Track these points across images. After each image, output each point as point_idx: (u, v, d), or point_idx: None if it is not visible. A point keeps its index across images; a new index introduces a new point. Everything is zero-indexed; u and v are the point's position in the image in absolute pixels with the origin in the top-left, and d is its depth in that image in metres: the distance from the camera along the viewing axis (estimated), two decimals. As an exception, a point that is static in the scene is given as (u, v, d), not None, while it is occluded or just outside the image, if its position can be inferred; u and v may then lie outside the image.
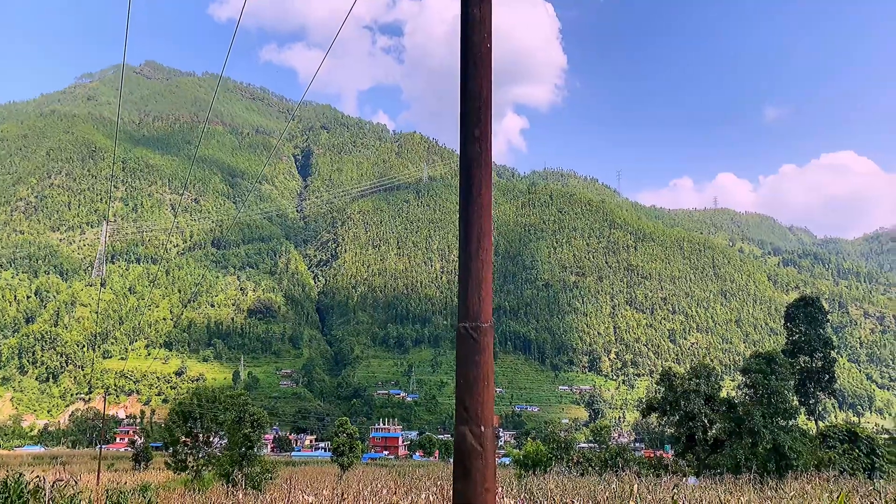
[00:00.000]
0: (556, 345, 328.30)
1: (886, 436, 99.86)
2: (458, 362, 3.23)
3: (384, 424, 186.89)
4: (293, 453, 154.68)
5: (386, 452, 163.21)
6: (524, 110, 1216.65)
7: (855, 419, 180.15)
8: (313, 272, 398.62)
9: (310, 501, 20.96)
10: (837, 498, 16.52)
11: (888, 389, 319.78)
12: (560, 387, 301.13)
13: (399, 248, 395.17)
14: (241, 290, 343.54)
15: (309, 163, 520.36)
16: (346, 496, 20.86)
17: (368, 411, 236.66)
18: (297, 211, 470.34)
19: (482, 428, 3.07)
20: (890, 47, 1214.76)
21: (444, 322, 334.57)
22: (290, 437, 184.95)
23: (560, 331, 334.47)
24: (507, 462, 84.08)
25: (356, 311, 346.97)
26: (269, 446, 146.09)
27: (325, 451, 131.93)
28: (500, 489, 22.53)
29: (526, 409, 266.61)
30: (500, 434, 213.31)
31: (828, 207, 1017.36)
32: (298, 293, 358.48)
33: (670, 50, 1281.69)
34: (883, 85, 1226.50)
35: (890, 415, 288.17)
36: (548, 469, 43.49)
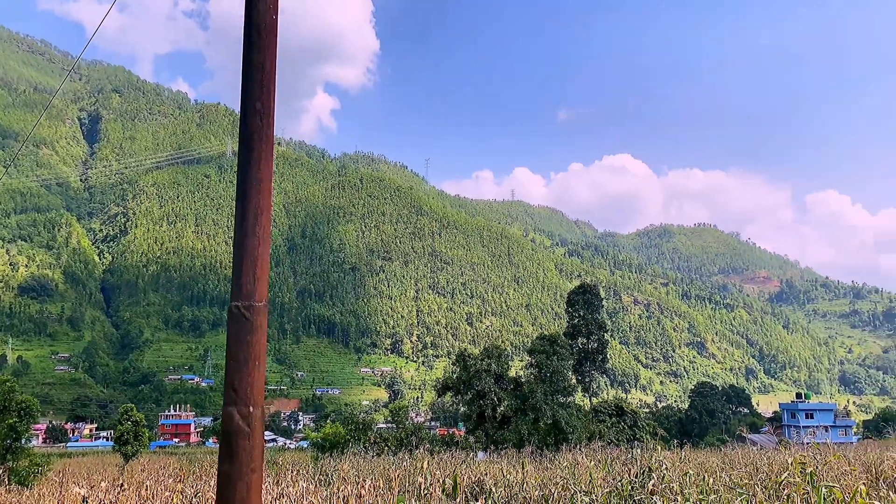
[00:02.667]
0: (361, 328, 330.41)
1: (647, 410, 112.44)
2: (229, 342, 3.12)
3: (175, 411, 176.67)
4: (69, 444, 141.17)
5: (176, 440, 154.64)
6: (335, 90, 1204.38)
7: (623, 395, 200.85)
8: (98, 248, 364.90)
9: (83, 494, 19.28)
10: (602, 465, 18.35)
11: (651, 369, 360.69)
12: (363, 369, 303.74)
13: (198, 225, 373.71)
14: (10, 265, 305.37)
15: (97, 128, 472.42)
16: (126, 486, 19.46)
17: (158, 398, 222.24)
18: (81, 180, 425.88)
19: (251, 409, 3.00)
20: (661, 61, 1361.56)
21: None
22: (67, 426, 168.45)
23: (365, 314, 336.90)
24: (306, 445, 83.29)
25: (147, 291, 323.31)
26: (40, 437, 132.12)
27: (108, 440, 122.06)
28: (296, 471, 22.26)
29: (327, 392, 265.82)
30: (300, 417, 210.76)
31: (608, 204, 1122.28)
32: (80, 270, 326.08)
33: (477, 47, 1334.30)
34: (654, 96, 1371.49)
35: (651, 391, 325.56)
36: (345, 450, 43.72)
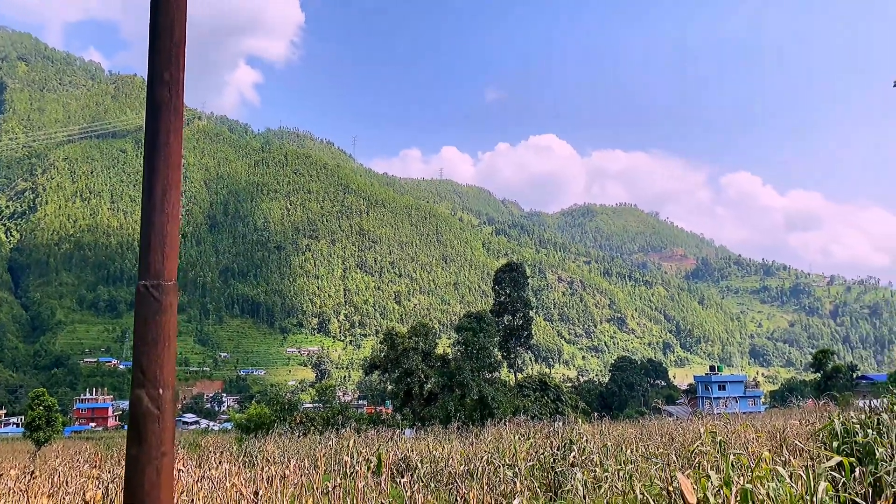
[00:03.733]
0: (287, 308, 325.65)
1: (570, 384, 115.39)
2: (137, 323, 3.00)
3: (92, 395, 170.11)
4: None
5: (93, 424, 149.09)
6: (258, 64, 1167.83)
7: (547, 370, 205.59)
8: (4, 225, 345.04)
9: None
10: (525, 439, 18.77)
11: (574, 344, 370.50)
12: (288, 349, 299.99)
13: (114, 202, 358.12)
14: None
15: (1, 99, 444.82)
16: (38, 473, 18.65)
17: (73, 381, 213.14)
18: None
19: (160, 391, 2.90)
20: (585, 45, 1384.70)
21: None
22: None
23: (291, 293, 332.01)
24: (230, 427, 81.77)
25: (59, 270, 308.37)
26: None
27: (18, 426, 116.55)
28: (220, 453, 21.85)
29: (252, 372, 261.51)
30: (224, 399, 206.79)
31: (533, 184, 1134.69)
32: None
33: (406, 25, 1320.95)
34: (578, 78, 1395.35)
35: (574, 366, 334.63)
36: (270, 431, 43.22)
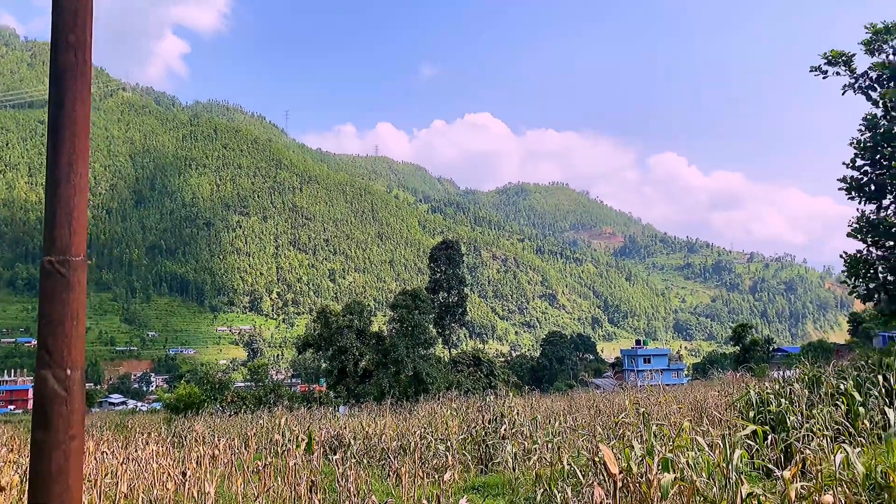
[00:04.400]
0: (217, 286, 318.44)
1: (502, 359, 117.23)
2: (42, 300, 2.85)
3: (10, 376, 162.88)
4: None
5: (12, 407, 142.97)
6: (186, 34, 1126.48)
7: (481, 346, 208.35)
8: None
9: None
10: (458, 414, 18.98)
11: (507, 320, 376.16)
12: (219, 328, 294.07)
13: (31, 175, 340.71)
14: None
15: None
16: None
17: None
18: None
19: (68, 371, 2.76)
20: (521, 24, 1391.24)
21: (89, 262, 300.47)
22: None
23: (221, 271, 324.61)
24: (159, 407, 79.87)
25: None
26: None
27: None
28: (147, 434, 21.29)
29: (181, 351, 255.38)
30: (153, 379, 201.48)
31: (469, 162, 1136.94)
32: None
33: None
34: (514, 56, 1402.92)
35: (507, 341, 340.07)
36: (200, 411, 42.40)
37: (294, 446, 13.42)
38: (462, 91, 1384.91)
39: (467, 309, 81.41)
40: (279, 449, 15.00)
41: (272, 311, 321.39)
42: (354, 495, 8.88)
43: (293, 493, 10.77)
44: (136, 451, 14.86)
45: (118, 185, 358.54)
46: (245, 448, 15.50)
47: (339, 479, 9.62)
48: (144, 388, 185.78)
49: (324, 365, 55.43)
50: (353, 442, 16.44)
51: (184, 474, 10.69)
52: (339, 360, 52.05)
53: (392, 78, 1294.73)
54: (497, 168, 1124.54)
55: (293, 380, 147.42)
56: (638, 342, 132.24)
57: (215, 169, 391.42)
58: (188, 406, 44.56)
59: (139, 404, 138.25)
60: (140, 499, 9.59)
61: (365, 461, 15.09)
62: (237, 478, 10.95)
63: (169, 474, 11.12)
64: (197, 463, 12.87)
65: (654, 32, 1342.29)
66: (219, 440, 16.66)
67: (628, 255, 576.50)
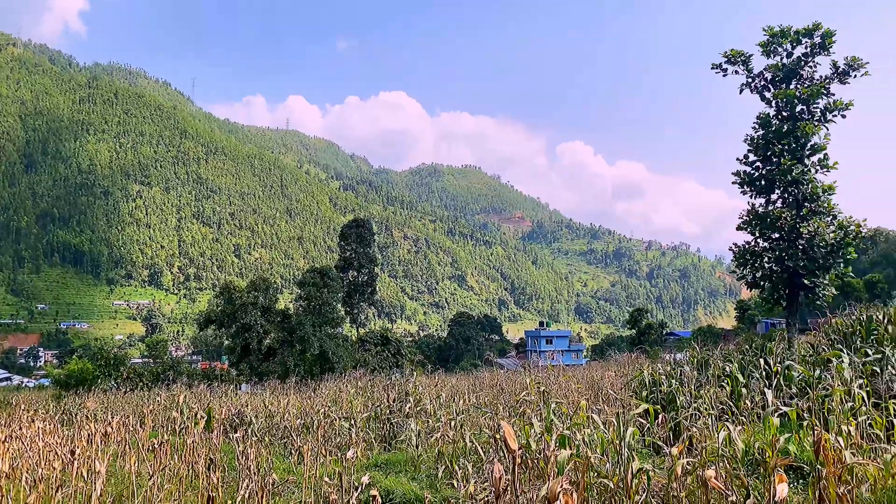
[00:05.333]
0: (114, 258, 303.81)
1: (410, 338, 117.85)
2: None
3: None
4: None
5: None
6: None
7: (389, 325, 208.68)
8: None
9: None
10: (363, 392, 19.00)
11: (416, 300, 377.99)
12: (115, 302, 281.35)
13: None
14: None
15: None
16: None
17: None
18: None
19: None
20: (434, 5, 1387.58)
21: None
22: None
23: (119, 243, 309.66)
24: (48, 383, 76.00)
25: None
26: None
27: None
28: (34, 411, 20.17)
29: (74, 325, 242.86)
30: (41, 354, 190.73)
31: (383, 140, 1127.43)
32: None
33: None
34: (431, 37, 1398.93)
35: (416, 321, 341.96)
36: (93, 387, 40.60)
37: (192, 424, 13.08)
38: (377, 68, 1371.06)
39: (377, 288, 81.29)
40: (177, 427, 14.59)
41: (173, 285, 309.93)
42: (255, 473, 8.76)
43: (191, 471, 10.51)
44: (20, 428, 14.09)
45: (6, 147, 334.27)
46: (141, 426, 14.96)
47: (239, 457, 9.45)
48: (32, 364, 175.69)
49: (226, 342, 54.08)
50: (254, 420, 16.18)
51: (72, 452, 10.22)
52: (243, 338, 50.91)
53: (306, 50, 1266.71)
54: (411, 148, 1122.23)
55: (194, 357, 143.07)
56: (541, 324, 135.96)
57: (115, 135, 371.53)
58: (80, 382, 42.73)
59: (25, 380, 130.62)
60: (24, 478, 9.10)
61: (267, 439, 14.90)
62: (131, 456, 10.58)
63: (56, 453, 10.62)
64: (87, 441, 12.33)
65: (566, 25, 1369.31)
66: (112, 417, 16.00)
67: (536, 239, 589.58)
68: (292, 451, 12.94)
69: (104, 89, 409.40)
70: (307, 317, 51.64)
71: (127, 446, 12.54)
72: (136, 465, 10.31)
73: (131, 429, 14.38)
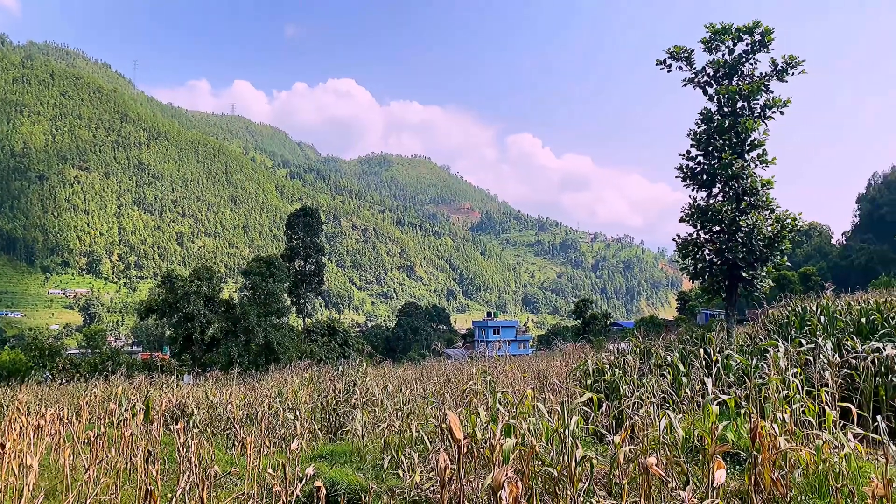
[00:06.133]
0: (50, 245, 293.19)
1: (358, 329, 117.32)
2: None
3: None
4: None
5: None
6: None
7: (336, 316, 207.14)
8: None
9: None
10: (309, 383, 18.80)
11: (364, 290, 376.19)
12: (51, 290, 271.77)
13: None
14: None
15: None
16: None
17: None
18: None
19: None
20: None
21: None
22: None
23: (55, 229, 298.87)
24: (-25, 376, 72.95)
25: None
26: None
27: None
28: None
29: (6, 315, 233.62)
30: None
31: (331, 128, 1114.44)
32: None
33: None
34: (381, 24, 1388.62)
35: (364, 311, 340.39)
36: (26, 378, 39.18)
37: (131, 416, 12.72)
38: (326, 55, 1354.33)
39: (324, 278, 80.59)
40: (114, 419, 14.17)
41: (112, 273, 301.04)
42: (196, 465, 8.56)
43: (129, 464, 10.23)
44: (-58, 423, 13.46)
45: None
46: (76, 418, 14.48)
47: (180, 449, 9.22)
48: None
49: (168, 332, 52.89)
50: (196, 411, 15.83)
51: (2, 446, 9.81)
52: (185, 328, 49.82)
53: (253, 34, 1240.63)
54: (360, 136, 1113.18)
55: (135, 347, 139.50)
56: (489, 314, 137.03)
57: (51, 118, 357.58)
58: (12, 373, 41.26)
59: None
60: (-53, 474, 8.69)
61: (209, 431, 14.60)
62: (66, 449, 10.21)
63: (-16, 447, 10.15)
64: (19, 434, 11.85)
65: (515, 18, 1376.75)
66: (46, 410, 15.43)
67: (484, 230, 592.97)
68: (235, 443, 12.72)
69: (39, 69, 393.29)
70: (252, 307, 50.84)
71: (62, 439, 12.11)
72: (72, 458, 9.98)
73: (66, 421, 13.90)
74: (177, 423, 13.10)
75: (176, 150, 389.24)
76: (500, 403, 10.12)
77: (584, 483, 7.22)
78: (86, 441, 11.40)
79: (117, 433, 11.48)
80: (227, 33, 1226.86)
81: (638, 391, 11.41)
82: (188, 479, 7.74)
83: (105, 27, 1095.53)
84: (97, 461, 9.46)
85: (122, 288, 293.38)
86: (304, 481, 6.90)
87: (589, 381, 13.02)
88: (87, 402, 18.70)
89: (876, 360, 11.31)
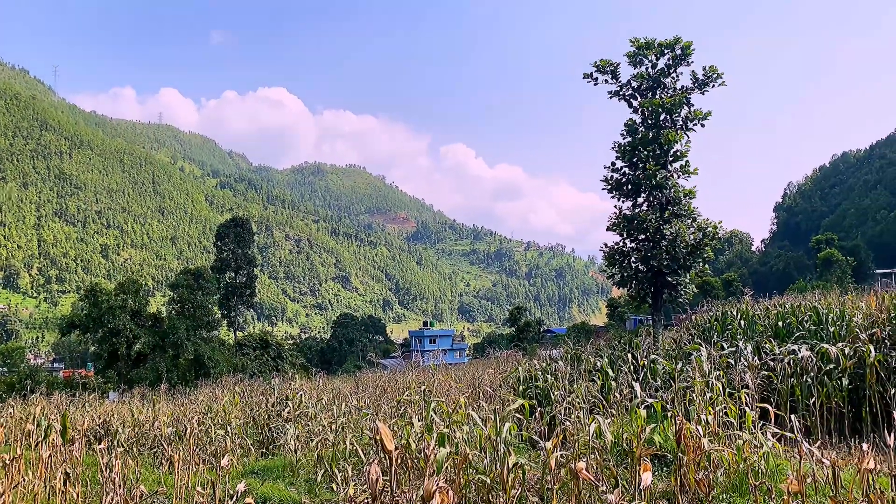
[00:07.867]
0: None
1: (292, 341, 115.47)
2: None
3: None
4: None
5: None
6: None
7: (269, 328, 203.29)
8: None
9: None
10: (240, 397, 18.41)
11: (298, 302, 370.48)
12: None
13: None
14: None
15: None
16: None
17: None
18: None
19: None
20: (320, 3, 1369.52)
21: None
22: None
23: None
24: None
25: None
26: None
27: None
28: None
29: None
30: None
31: (263, 137, 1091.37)
32: None
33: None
34: (311, 31, 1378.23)
35: (298, 323, 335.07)
36: (-66, 402, 36.92)
37: (52, 436, 12.18)
38: (256, 63, 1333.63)
39: (256, 290, 79.14)
40: (32, 440, 13.53)
41: (31, 288, 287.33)
42: (120, 486, 8.26)
43: (47, 487, 9.79)
44: None
45: None
46: (-10, 441, 13.73)
47: (103, 469, 8.89)
48: None
49: (92, 348, 50.83)
50: (121, 429, 15.29)
51: None
52: (110, 343, 47.98)
53: (179, 41, 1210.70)
54: (292, 146, 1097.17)
55: (56, 365, 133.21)
56: (425, 323, 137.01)
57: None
58: (-82, 396, 38.70)
59: None
60: None
61: (135, 450, 14.12)
62: (-23, 475, 9.69)
63: None
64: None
65: (444, 29, 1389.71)
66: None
67: (420, 239, 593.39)
68: (163, 461, 12.34)
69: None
70: (180, 320, 49.41)
71: (-27, 464, 11.47)
72: (-16, 484, 9.46)
73: (-21, 445, 13.19)
74: (100, 443, 12.61)
75: (100, 159, 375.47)
76: (434, 413, 10.16)
77: (517, 490, 7.31)
78: (1, 464, 10.86)
79: (35, 455, 10.98)
80: (153, 39, 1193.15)
81: (569, 397, 11.62)
82: (111, 500, 7.48)
83: (22, 31, 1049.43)
84: (12, 485, 9.03)
85: (43, 303, 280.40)
86: (234, 499, 6.75)
87: (522, 388, 13.21)
88: (2, 424, 17.80)
89: (792, 361, 11.87)
